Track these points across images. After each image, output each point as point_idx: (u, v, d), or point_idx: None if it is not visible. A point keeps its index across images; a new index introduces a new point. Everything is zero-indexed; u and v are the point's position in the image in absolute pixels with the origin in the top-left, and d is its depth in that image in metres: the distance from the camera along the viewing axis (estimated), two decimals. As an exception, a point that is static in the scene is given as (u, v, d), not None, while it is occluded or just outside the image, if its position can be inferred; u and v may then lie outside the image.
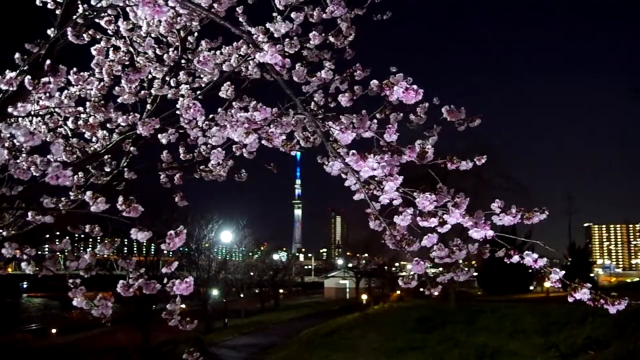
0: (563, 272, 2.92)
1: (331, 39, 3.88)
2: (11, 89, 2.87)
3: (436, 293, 3.40)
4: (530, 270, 3.04)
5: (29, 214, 3.53)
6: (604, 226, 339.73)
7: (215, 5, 3.00)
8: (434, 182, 2.95)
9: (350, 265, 69.08)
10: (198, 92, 3.95)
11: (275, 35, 2.91)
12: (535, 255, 2.98)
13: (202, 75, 4.12)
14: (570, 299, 2.86)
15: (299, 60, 3.86)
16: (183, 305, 3.16)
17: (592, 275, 59.85)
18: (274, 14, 2.96)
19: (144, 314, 25.75)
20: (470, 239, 3.09)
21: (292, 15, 3.70)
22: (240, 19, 3.90)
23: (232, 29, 2.74)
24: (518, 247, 3.17)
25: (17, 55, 3.09)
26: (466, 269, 3.46)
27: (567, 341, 19.28)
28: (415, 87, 2.74)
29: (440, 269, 3.48)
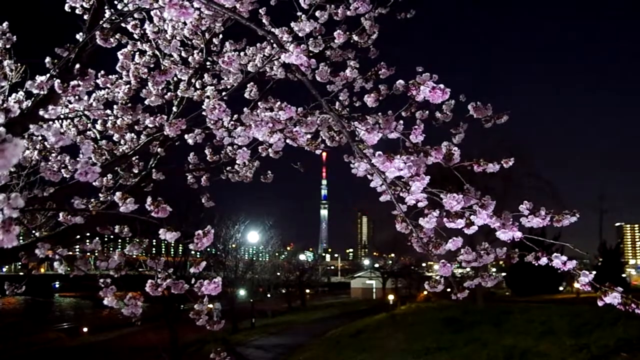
0: (592, 274, 2.79)
1: (355, 37, 3.87)
2: (42, 92, 2.93)
3: (463, 297, 3.29)
4: (559, 271, 2.93)
5: (60, 215, 3.60)
6: (636, 225, 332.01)
7: (237, 5, 3.01)
8: (460, 183, 2.87)
9: (376, 265, 68.85)
10: (223, 94, 3.98)
11: (300, 35, 2.91)
12: (564, 258, 2.88)
13: (226, 77, 4.15)
14: (600, 303, 2.72)
15: (323, 60, 3.86)
16: (210, 305, 3.17)
17: (624, 275, 58.33)
18: (299, 13, 2.96)
19: (172, 313, 26.03)
20: (497, 241, 3.00)
21: (317, 14, 3.70)
22: (264, 20, 3.92)
23: (257, 30, 2.74)
24: (546, 248, 3.06)
25: (47, 59, 3.15)
26: (494, 270, 3.37)
27: (598, 343, 18.83)
28: (442, 86, 2.69)
29: (468, 269, 3.39)
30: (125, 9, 3.56)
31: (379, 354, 23.60)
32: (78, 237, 4.03)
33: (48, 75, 2.93)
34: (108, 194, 4.21)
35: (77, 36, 3.69)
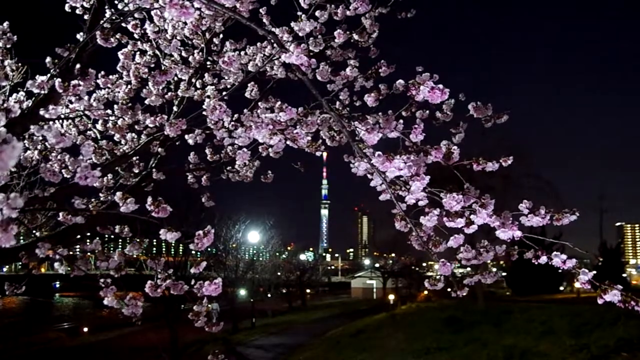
0: (592, 273, 2.79)
1: (355, 36, 3.87)
2: (43, 92, 2.93)
3: (463, 294, 3.30)
4: (559, 271, 2.93)
5: (61, 214, 3.60)
6: (637, 225, 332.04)
7: (237, 4, 3.01)
8: (460, 182, 2.88)
9: (377, 265, 68.86)
10: (224, 93, 3.98)
11: (300, 35, 2.91)
12: (564, 256, 2.88)
13: (227, 77, 4.15)
14: (599, 301, 2.71)
15: (324, 59, 3.86)
16: (210, 306, 3.16)
17: (624, 275, 58.38)
18: (299, 13, 2.95)
19: (173, 313, 26.02)
20: (497, 240, 3.00)
21: (317, 13, 3.70)
22: (264, 20, 3.92)
23: (258, 30, 2.74)
24: (547, 247, 3.06)
25: (48, 59, 3.15)
26: (494, 269, 3.37)
27: (598, 342, 18.81)
28: (441, 86, 2.69)
29: (468, 269, 3.40)
30: (126, 8, 3.56)
31: (379, 354, 23.60)
32: (78, 237, 4.03)
33: (49, 75, 2.94)
34: (108, 194, 4.21)
35: (78, 36, 3.69)
